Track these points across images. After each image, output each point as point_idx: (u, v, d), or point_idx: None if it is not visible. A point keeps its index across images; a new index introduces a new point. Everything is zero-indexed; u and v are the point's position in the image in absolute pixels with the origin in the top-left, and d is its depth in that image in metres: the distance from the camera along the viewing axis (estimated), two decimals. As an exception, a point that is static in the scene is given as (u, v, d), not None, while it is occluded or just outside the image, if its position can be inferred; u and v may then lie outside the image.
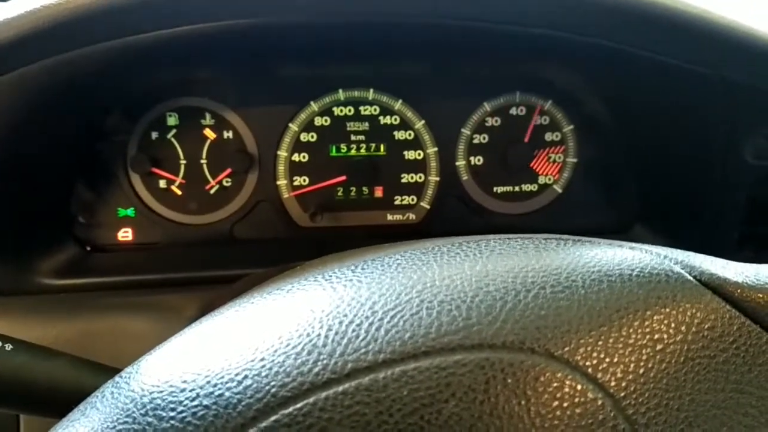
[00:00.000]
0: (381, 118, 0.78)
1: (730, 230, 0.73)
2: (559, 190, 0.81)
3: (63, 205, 0.73)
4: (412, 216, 0.81)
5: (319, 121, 0.78)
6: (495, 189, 0.81)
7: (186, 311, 0.66)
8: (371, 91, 0.78)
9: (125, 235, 0.77)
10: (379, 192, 0.80)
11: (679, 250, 0.33)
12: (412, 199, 0.80)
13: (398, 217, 0.81)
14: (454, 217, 0.80)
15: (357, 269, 0.32)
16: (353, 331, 0.27)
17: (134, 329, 0.65)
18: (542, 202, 0.81)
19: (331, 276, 0.32)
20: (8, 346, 0.44)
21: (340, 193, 0.80)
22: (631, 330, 0.28)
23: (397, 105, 0.78)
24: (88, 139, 0.73)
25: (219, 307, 0.56)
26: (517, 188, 0.81)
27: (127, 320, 0.66)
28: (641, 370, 0.27)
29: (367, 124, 0.78)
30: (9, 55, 0.57)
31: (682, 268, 0.31)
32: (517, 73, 0.79)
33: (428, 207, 0.81)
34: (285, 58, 0.76)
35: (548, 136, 0.80)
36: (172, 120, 0.76)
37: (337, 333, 0.27)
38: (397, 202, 0.80)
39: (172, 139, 0.77)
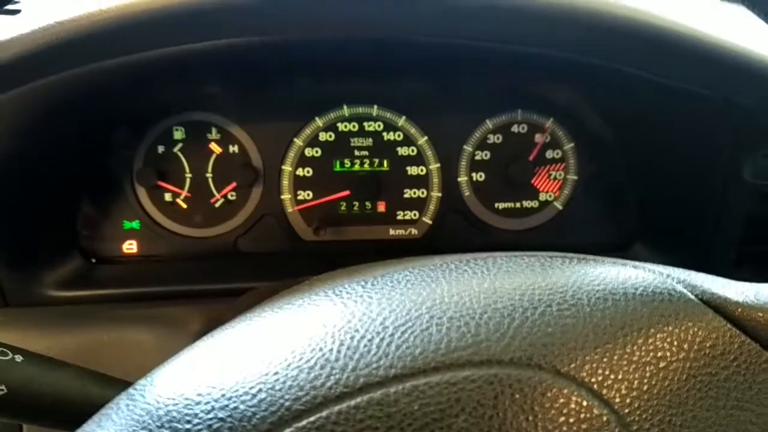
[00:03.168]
0: (384, 134, 0.80)
1: (729, 248, 0.73)
2: (560, 207, 0.82)
3: (69, 217, 0.74)
4: (414, 231, 0.82)
5: (323, 136, 0.79)
6: (496, 205, 0.81)
7: (190, 324, 0.67)
8: (375, 107, 0.79)
9: (130, 247, 0.78)
10: (382, 207, 0.81)
11: (681, 269, 0.34)
12: (415, 214, 0.81)
13: (401, 231, 0.82)
14: (455, 232, 0.81)
15: (367, 285, 0.33)
16: (365, 346, 0.28)
17: (138, 341, 0.66)
18: (543, 218, 0.82)
19: (341, 291, 0.33)
20: (18, 357, 0.44)
21: (343, 208, 0.80)
22: (635, 347, 0.28)
23: (401, 121, 0.79)
24: (95, 153, 0.74)
25: (226, 320, 0.57)
26: (518, 204, 0.82)
27: (132, 332, 0.66)
28: (645, 387, 0.28)
29: (370, 139, 0.79)
30: (21, 70, 0.58)
31: (685, 287, 0.31)
32: (518, 92, 0.80)
33: (430, 222, 0.81)
34: (290, 75, 0.77)
35: (549, 154, 0.81)
36: (178, 134, 0.77)
37: (349, 348, 0.28)
38: (399, 217, 0.81)
39: (179, 153, 0.78)
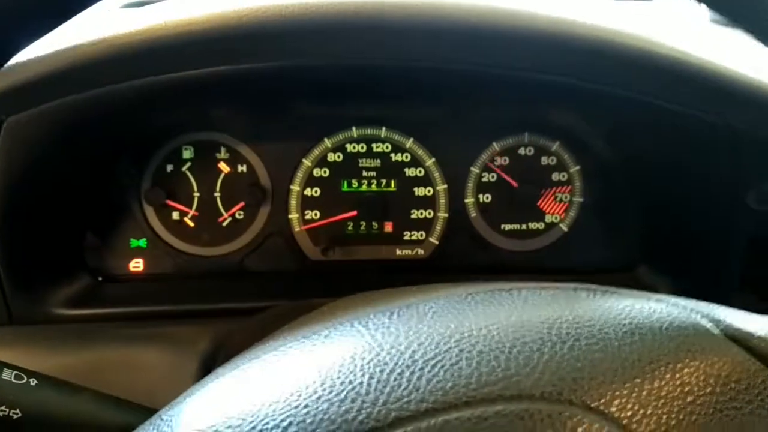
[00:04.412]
0: (392, 155, 0.80)
1: (732, 272, 0.74)
2: (565, 229, 0.83)
3: (76, 236, 0.74)
4: (420, 251, 0.82)
5: (332, 156, 0.80)
6: (502, 226, 0.82)
7: (197, 343, 0.66)
8: (384, 129, 0.79)
9: (137, 266, 0.78)
10: (389, 227, 0.81)
11: (704, 303, 0.34)
12: (421, 235, 0.82)
13: (407, 252, 0.82)
14: (462, 252, 0.82)
15: (393, 316, 0.33)
16: (395, 379, 0.28)
17: (145, 360, 0.65)
18: (548, 240, 0.83)
19: (367, 322, 0.33)
20: (33, 381, 0.44)
21: (350, 228, 0.81)
22: (663, 382, 0.29)
23: (409, 143, 0.80)
24: (103, 173, 0.74)
25: (237, 341, 0.56)
26: (524, 226, 0.82)
27: (138, 351, 0.66)
28: (673, 422, 0.28)
29: (378, 160, 0.80)
30: (36, 91, 0.58)
31: (709, 322, 0.32)
32: (525, 115, 0.81)
33: (437, 242, 0.82)
34: (300, 97, 0.78)
35: (555, 176, 0.82)
36: (187, 153, 0.78)
37: (379, 381, 0.28)
38: (406, 238, 0.82)
39: (187, 172, 0.78)
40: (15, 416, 0.43)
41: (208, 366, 0.62)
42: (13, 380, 0.44)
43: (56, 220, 0.69)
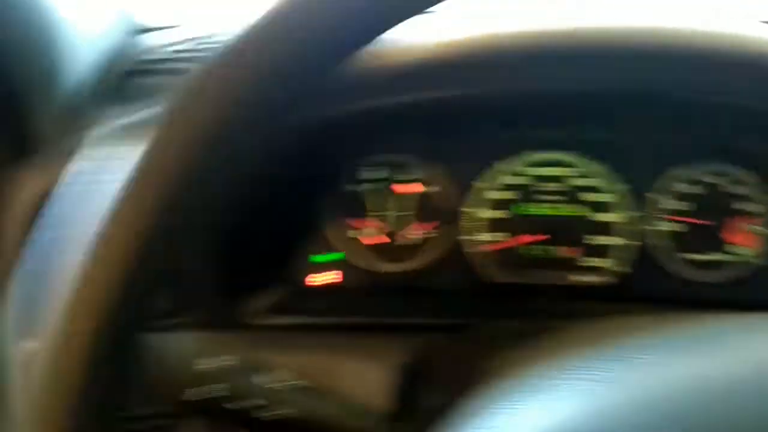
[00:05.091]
0: (574, 179, 0.80)
1: None
2: (758, 262, 0.78)
3: (276, 249, 0.78)
4: (600, 279, 0.80)
5: (510, 179, 0.80)
6: (690, 256, 0.79)
7: (395, 356, 0.67)
8: (565, 152, 0.79)
9: (321, 278, 0.81)
10: (569, 252, 0.80)
11: None
12: (601, 262, 0.80)
13: (585, 278, 0.81)
14: (645, 282, 0.79)
15: (696, 347, 0.33)
16: (708, 413, 0.27)
17: (346, 369, 0.67)
18: (739, 272, 0.79)
19: (674, 348, 0.33)
20: (288, 383, 0.47)
21: (529, 251, 0.81)
22: None
23: (592, 167, 0.79)
24: (301, 190, 0.78)
25: (448, 356, 0.57)
26: (712, 257, 0.79)
27: (338, 360, 0.68)
28: None
29: (559, 184, 0.80)
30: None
31: None
32: (714, 142, 0.78)
33: (617, 271, 0.80)
34: (479, 119, 0.79)
35: (746, 206, 0.78)
36: (369, 174, 0.81)
37: (692, 416, 0.28)
38: (586, 264, 0.80)
39: (369, 193, 0.81)
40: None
41: (411, 379, 0.63)
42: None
43: (262, 234, 0.74)
